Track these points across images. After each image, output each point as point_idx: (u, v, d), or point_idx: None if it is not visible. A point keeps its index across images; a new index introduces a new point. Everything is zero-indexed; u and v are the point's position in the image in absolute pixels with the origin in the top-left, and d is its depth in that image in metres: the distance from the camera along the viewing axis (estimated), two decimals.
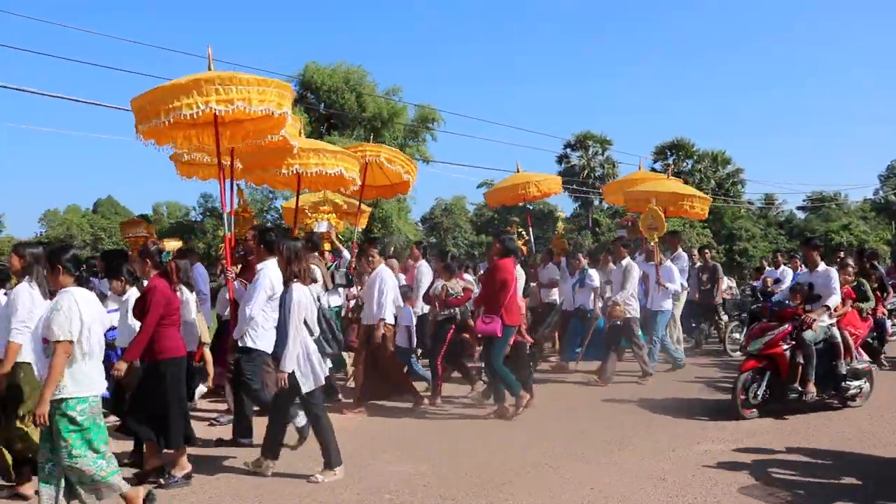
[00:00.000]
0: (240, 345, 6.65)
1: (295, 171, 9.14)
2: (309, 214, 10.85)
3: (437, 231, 32.76)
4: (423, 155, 33.81)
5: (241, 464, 6.32)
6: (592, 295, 11.26)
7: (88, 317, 4.71)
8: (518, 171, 14.21)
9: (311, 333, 6.18)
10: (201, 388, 8.84)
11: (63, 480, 4.76)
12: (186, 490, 5.75)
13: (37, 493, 5.00)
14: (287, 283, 6.11)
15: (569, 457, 6.55)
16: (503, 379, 8.20)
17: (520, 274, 9.79)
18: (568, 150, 49.86)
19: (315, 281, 6.72)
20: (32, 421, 4.72)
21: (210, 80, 6.81)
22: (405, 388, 8.82)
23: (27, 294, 5.34)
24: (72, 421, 4.60)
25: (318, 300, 6.75)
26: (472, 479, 5.94)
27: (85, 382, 4.69)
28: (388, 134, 32.60)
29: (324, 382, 6.18)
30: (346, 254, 11.00)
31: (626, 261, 10.58)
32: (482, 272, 10.94)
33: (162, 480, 5.78)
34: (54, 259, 4.84)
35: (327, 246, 9.72)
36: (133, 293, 6.50)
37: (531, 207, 15.14)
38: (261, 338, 6.61)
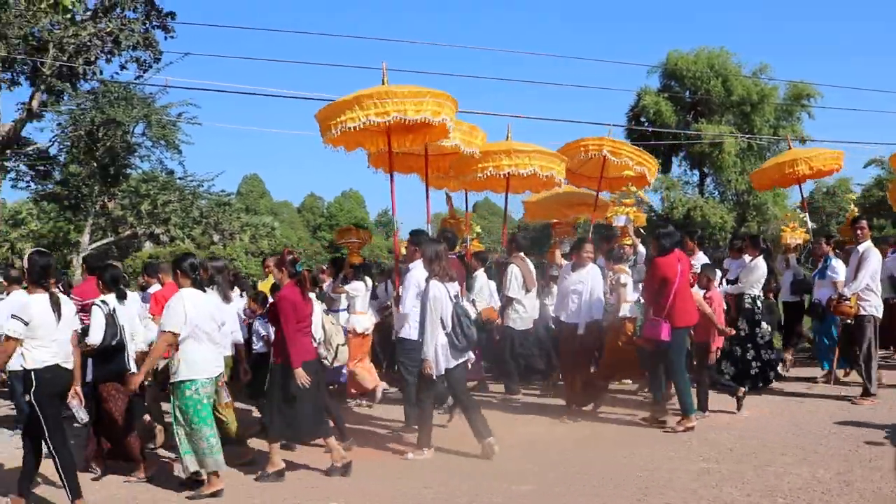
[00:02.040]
0: (400, 335, 7.25)
1: (490, 174, 9.67)
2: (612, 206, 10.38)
3: (818, 215, 30.72)
4: (797, 134, 32.08)
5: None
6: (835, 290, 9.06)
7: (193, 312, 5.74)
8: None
9: (444, 328, 6.57)
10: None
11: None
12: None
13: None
14: (427, 280, 6.68)
15: None
16: (679, 392, 7.54)
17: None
18: None
19: (453, 280, 6.83)
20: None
21: (369, 95, 7.78)
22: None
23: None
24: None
25: (456, 297, 6.79)
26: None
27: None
28: (757, 118, 31.63)
29: (442, 373, 6.59)
30: (641, 248, 9.59)
31: (865, 245, 8.53)
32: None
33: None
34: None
35: (627, 241, 9.00)
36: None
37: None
38: (416, 330, 6.94)
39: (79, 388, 5.53)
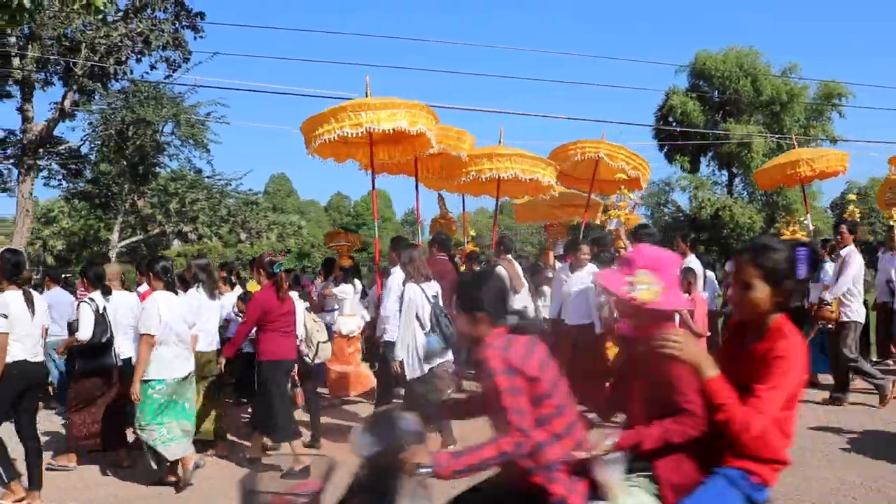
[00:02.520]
0: (384, 339, 7.14)
1: (473, 178, 9.82)
2: (605, 209, 10.79)
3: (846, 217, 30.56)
4: (828, 134, 31.72)
5: None
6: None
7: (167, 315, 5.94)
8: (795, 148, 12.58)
9: (423, 327, 6.66)
10: None
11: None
12: None
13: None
14: (403, 283, 6.85)
15: None
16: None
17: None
18: None
19: (429, 279, 6.92)
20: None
21: (343, 108, 7.95)
22: None
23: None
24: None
25: (435, 297, 6.86)
26: None
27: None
28: (787, 117, 31.32)
29: (425, 373, 6.66)
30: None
31: (847, 250, 8.32)
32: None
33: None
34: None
35: (620, 244, 9.16)
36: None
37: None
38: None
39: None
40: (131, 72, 19.68)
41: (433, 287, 6.93)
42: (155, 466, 6.05)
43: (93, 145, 21.19)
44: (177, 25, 19.64)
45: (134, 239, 24.40)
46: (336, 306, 9.31)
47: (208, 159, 22.44)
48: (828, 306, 8.19)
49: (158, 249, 26.64)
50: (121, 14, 18.53)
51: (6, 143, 20.50)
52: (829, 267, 9.06)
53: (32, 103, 19.83)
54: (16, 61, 18.19)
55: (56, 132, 20.14)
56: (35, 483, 5.63)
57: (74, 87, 19.14)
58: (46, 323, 5.91)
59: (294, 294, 6.98)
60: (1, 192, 22.21)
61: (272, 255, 6.90)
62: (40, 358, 5.71)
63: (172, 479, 6.09)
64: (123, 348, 6.96)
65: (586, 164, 11.04)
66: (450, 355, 6.94)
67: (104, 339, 6.59)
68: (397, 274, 7.15)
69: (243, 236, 26.68)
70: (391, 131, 8.10)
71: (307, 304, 7.79)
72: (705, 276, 9.23)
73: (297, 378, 7.54)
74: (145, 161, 20.99)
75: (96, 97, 20.01)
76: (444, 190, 11.78)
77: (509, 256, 9.45)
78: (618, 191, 9.79)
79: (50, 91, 19.73)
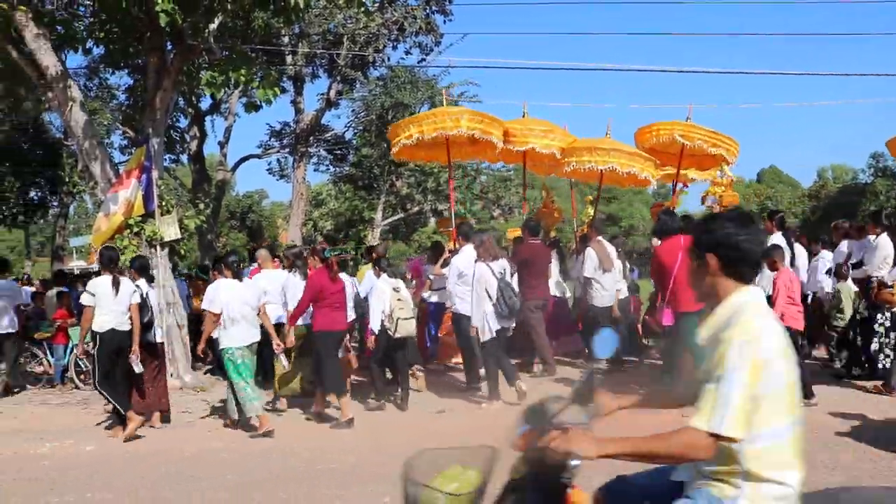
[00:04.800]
0: (453, 310, 8.60)
1: (574, 168, 10.78)
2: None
3: None
4: None
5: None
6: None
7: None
8: None
9: (490, 299, 7.90)
10: None
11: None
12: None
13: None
14: (475, 262, 8.05)
15: None
16: None
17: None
18: None
19: (497, 258, 8.18)
20: None
21: (426, 115, 10.69)
22: None
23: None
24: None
25: (502, 273, 8.07)
26: None
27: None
28: None
29: (494, 335, 7.93)
30: None
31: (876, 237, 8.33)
32: None
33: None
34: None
35: None
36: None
37: None
38: (462, 305, 8.28)
39: (136, 347, 7.36)
40: (388, 59, 20.63)
41: (499, 265, 8.17)
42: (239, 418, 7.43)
43: (355, 131, 22.61)
44: (428, 11, 20.20)
45: (395, 217, 25.72)
46: (443, 285, 9.89)
47: None
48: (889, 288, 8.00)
49: (416, 227, 27.86)
50: (377, 5, 19.40)
51: (282, 133, 22.44)
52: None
53: (303, 96, 21.51)
54: (288, 59, 19.78)
55: (323, 121, 21.73)
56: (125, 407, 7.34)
57: (338, 78, 20.49)
58: (134, 301, 7.44)
59: (344, 275, 8.48)
60: (279, 178, 24.43)
61: (324, 244, 8.62)
62: (126, 327, 7.28)
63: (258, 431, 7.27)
64: (273, 314, 8.24)
65: (674, 146, 11.13)
66: (512, 322, 8.35)
67: (145, 320, 7.61)
68: (461, 255, 8.49)
69: (496, 213, 27.09)
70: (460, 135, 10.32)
71: (397, 282, 8.59)
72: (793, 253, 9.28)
73: (348, 345, 8.54)
74: None
75: (357, 85, 21.27)
76: (554, 175, 12.87)
77: (600, 238, 10.05)
78: (718, 168, 10.56)
79: (317, 83, 21.31)
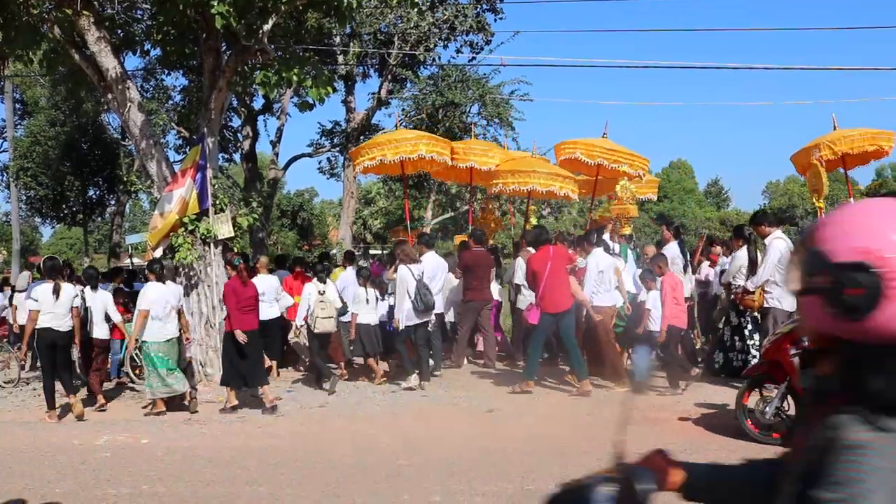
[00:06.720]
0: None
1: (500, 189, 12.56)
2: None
3: None
4: None
5: None
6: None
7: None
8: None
9: (409, 297, 9.21)
10: None
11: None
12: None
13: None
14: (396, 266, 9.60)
15: None
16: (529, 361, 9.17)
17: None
18: None
19: (415, 261, 9.48)
20: None
21: (387, 141, 12.14)
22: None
23: None
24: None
25: (420, 276, 9.35)
26: None
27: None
28: None
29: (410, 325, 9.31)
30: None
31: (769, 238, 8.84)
32: None
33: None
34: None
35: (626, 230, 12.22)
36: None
37: None
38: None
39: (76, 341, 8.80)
40: (439, 58, 20.62)
41: (418, 268, 9.43)
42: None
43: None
44: (478, 9, 20.13)
45: (444, 217, 25.71)
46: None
47: (513, 136, 22.79)
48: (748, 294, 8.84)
49: (466, 226, 27.80)
50: (428, 4, 19.42)
51: (333, 132, 22.62)
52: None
53: (354, 95, 21.65)
54: (340, 58, 19.93)
55: (374, 120, 21.82)
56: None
57: (389, 77, 20.55)
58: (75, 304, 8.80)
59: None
60: (330, 177, 24.64)
61: (234, 255, 9.43)
62: (66, 328, 8.55)
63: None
64: (265, 313, 9.57)
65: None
66: (432, 316, 9.59)
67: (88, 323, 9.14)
68: (427, 260, 9.87)
69: (545, 211, 26.91)
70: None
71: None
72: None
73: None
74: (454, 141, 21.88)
75: (408, 84, 21.30)
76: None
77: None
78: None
79: (368, 82, 21.45)
